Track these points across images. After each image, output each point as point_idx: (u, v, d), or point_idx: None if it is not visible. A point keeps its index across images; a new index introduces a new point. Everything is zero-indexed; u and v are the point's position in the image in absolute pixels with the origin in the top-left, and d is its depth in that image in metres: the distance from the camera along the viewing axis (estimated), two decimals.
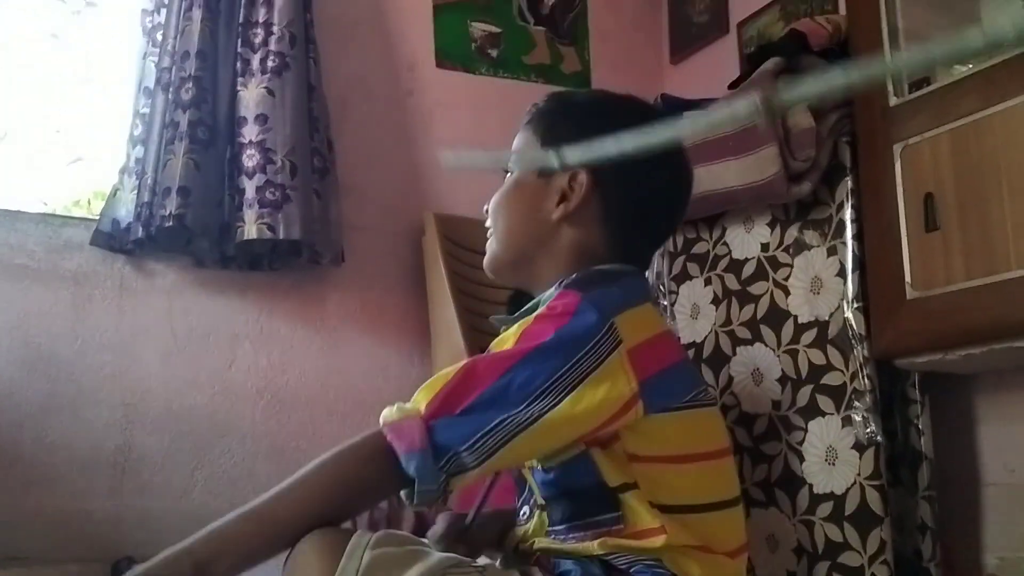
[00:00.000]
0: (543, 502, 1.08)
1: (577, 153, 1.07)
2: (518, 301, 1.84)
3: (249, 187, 2.35)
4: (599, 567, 1.00)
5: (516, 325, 1.04)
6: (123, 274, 2.36)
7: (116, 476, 2.24)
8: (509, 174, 1.20)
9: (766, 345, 2.19)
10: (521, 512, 1.14)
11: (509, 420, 0.94)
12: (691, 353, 2.35)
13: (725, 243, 2.33)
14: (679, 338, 2.34)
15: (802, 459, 2.09)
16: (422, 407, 0.96)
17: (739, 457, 2.21)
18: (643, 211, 1.16)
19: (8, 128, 2.52)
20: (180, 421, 2.33)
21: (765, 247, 2.24)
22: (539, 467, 1.06)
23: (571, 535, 1.04)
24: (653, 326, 1.05)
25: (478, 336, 2.41)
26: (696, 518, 1.03)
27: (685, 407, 1.04)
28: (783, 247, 2.20)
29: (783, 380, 2.15)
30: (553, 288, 1.09)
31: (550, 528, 1.07)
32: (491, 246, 1.20)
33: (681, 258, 2.43)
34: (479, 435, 0.94)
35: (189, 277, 2.43)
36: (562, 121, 1.21)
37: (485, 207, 1.23)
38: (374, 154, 2.65)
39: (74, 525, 2.17)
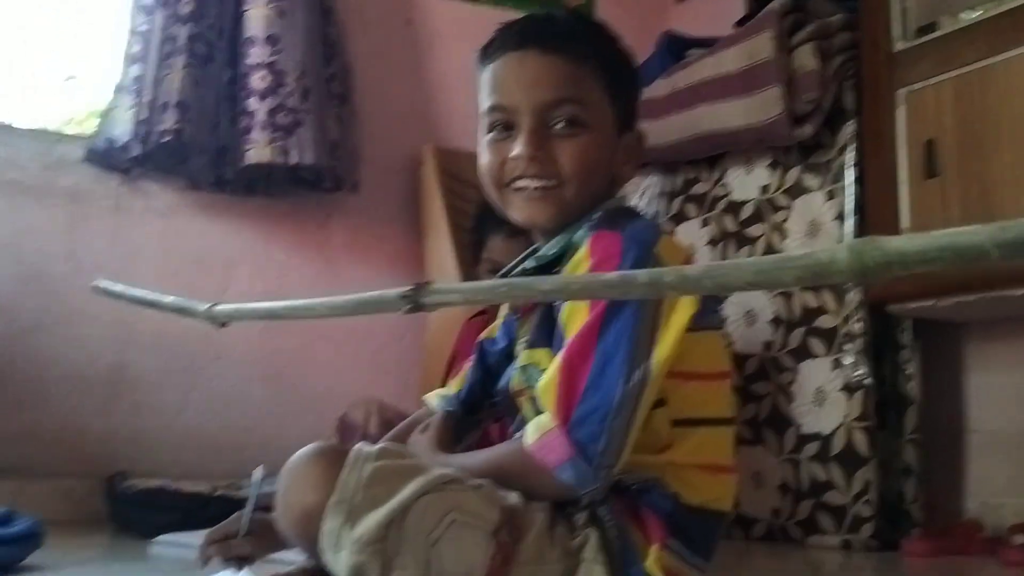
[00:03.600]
0: None
1: None
2: (484, 219, 1.84)
3: (260, 109, 2.32)
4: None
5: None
6: (118, 194, 2.34)
7: (110, 394, 2.25)
8: (573, 126, 1.09)
9: None
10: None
11: (626, 389, 0.96)
12: None
13: (724, 184, 2.33)
14: None
15: (791, 400, 2.12)
16: (553, 416, 0.98)
17: None
18: None
19: (1, 43, 2.48)
20: (174, 342, 2.33)
21: (764, 189, 2.24)
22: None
23: None
24: (682, 250, 1.10)
25: (473, 270, 2.41)
26: (705, 432, 1.05)
27: (708, 327, 1.06)
28: (782, 190, 2.20)
29: (776, 322, 2.17)
30: (583, 230, 1.08)
31: None
32: (556, 197, 1.09)
33: (679, 199, 2.43)
34: (611, 417, 0.96)
35: (185, 199, 2.42)
36: (629, 80, 1.17)
37: (519, 153, 1.09)
38: (373, 84, 2.62)
39: (68, 441, 2.18)
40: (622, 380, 0.96)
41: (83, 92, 2.62)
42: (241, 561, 1.15)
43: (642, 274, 0.37)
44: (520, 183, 1.10)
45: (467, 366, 1.28)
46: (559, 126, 1.08)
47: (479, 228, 1.94)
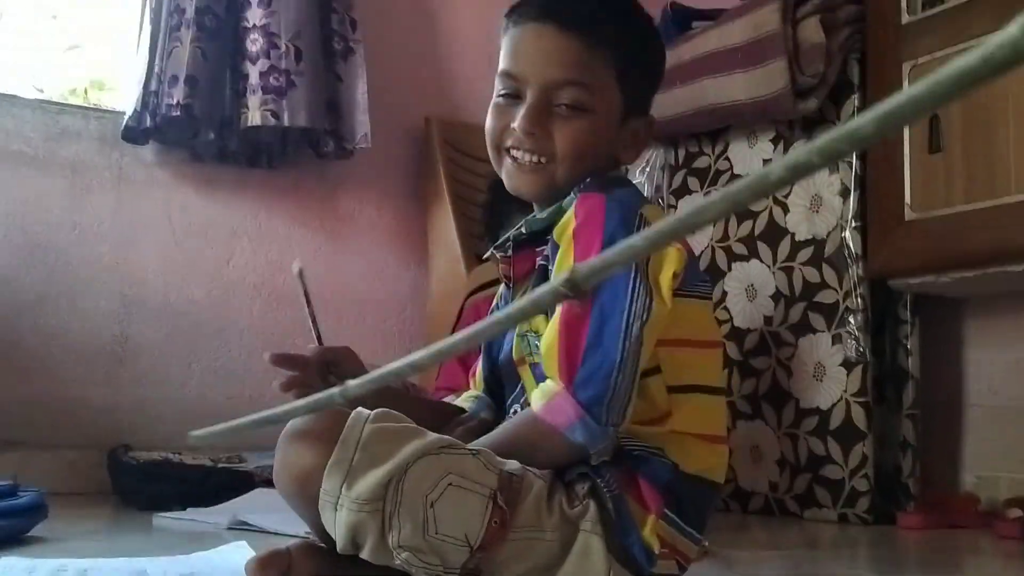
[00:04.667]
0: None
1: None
2: (502, 204, 1.83)
3: (253, 73, 2.31)
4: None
5: (560, 251, 1.06)
6: (121, 165, 2.35)
7: (113, 365, 2.27)
8: (575, 110, 1.09)
9: (762, 261, 2.21)
10: (511, 411, 1.16)
11: (626, 346, 0.98)
12: None
13: (727, 158, 2.33)
14: None
15: (790, 374, 2.13)
16: (557, 380, 1.00)
17: (728, 371, 2.24)
18: None
19: (2, 10, 2.47)
20: (177, 314, 2.34)
21: (767, 163, 2.23)
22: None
23: None
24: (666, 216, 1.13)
25: (474, 242, 2.42)
26: (700, 399, 1.06)
27: (696, 295, 1.08)
28: None
29: (776, 296, 2.17)
30: (571, 195, 1.10)
31: None
32: (546, 173, 1.11)
33: (682, 172, 2.42)
34: (614, 375, 0.98)
35: (188, 171, 2.42)
36: (646, 67, 1.18)
37: (518, 126, 1.10)
38: (375, 52, 2.60)
39: (71, 412, 2.20)
40: (621, 336, 0.98)
41: (86, 62, 2.61)
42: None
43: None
44: (515, 152, 1.12)
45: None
46: (562, 107, 1.09)
47: (496, 211, 1.88)
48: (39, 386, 2.19)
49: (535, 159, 1.11)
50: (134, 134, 2.29)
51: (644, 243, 0.37)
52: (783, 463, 2.12)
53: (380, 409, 0.98)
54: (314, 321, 1.15)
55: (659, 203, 2.44)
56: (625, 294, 0.99)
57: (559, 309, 1.02)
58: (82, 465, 2.12)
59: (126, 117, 2.26)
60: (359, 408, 0.96)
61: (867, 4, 2.07)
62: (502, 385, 1.21)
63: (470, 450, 0.98)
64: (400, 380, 1.19)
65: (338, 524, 0.93)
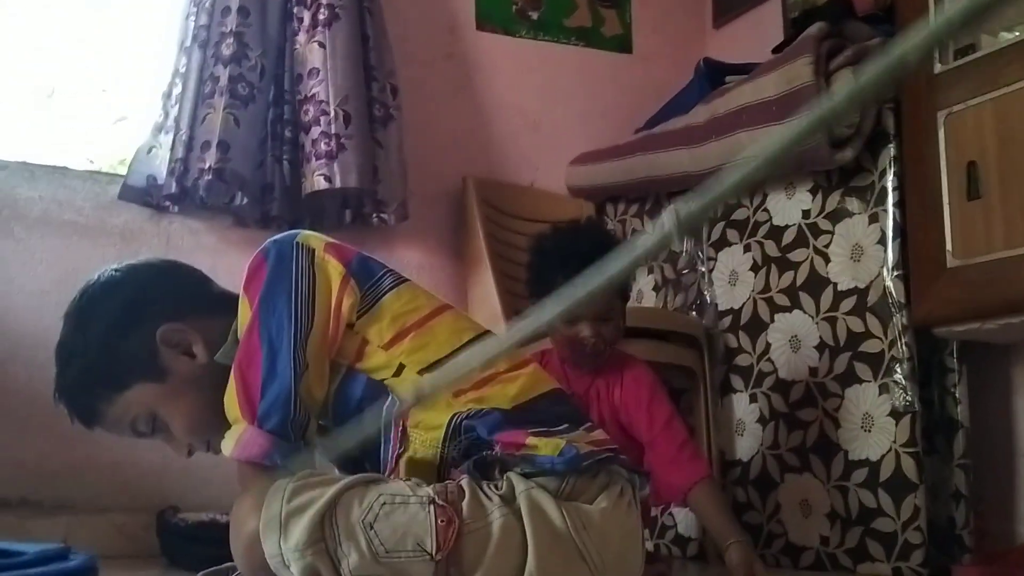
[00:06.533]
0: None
1: None
2: (537, 250, 1.82)
3: (307, 142, 2.38)
4: (456, 437, 1.09)
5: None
6: (169, 232, 2.40)
7: None
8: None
9: (804, 312, 2.20)
10: (388, 472, 1.16)
11: (297, 371, 1.08)
12: (728, 320, 2.36)
13: (766, 209, 2.33)
14: None
15: (838, 425, 2.10)
16: (240, 420, 1.09)
17: (774, 423, 2.22)
18: None
19: (55, 86, 2.56)
20: None
21: (806, 214, 2.23)
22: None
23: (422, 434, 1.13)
24: (324, 238, 1.21)
25: (514, 299, 2.44)
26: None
27: (395, 286, 1.18)
28: (824, 214, 2.19)
29: (821, 347, 2.16)
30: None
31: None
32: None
33: (721, 224, 2.43)
34: (293, 396, 1.07)
35: (232, 236, 2.46)
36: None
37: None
38: (413, 117, 2.65)
39: (121, 475, 2.23)
40: (292, 363, 1.08)
41: (133, 133, 2.69)
42: None
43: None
44: None
45: None
46: None
47: (546, 272, 1.74)
48: (88, 449, 2.21)
49: None
50: (159, 199, 2.35)
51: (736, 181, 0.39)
52: (834, 516, 2.08)
53: (303, 471, 1.03)
54: None
55: (699, 256, 2.45)
56: (289, 324, 1.09)
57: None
58: (131, 528, 2.14)
59: (142, 178, 2.35)
60: (302, 458, 1.04)
61: None
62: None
63: (393, 479, 1.04)
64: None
65: None
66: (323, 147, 2.37)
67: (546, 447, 1.06)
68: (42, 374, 2.24)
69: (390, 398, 1.11)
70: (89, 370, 1.20)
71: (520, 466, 1.04)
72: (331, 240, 1.21)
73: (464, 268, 2.67)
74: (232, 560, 1.28)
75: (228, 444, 1.09)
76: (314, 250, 1.17)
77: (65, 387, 1.23)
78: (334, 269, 1.15)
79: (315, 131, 2.38)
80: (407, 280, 1.22)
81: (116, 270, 1.27)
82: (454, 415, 1.09)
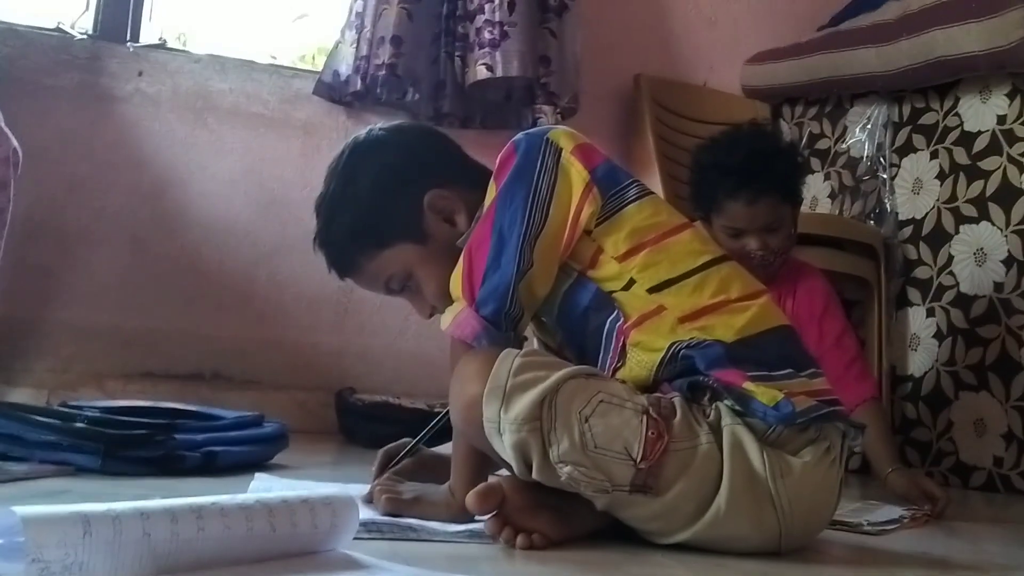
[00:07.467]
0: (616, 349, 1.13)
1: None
2: (711, 178, 1.78)
3: (471, 31, 2.38)
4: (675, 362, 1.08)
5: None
6: (347, 127, 2.48)
7: (339, 314, 2.42)
8: None
9: (993, 224, 2.08)
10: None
11: (520, 267, 1.09)
12: (909, 230, 2.26)
13: (957, 114, 2.20)
14: None
15: (1021, 344, 2.00)
16: (461, 299, 1.13)
17: (951, 339, 2.14)
18: None
19: None
20: None
21: (1002, 119, 2.09)
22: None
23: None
24: (577, 137, 1.19)
25: (680, 203, 2.40)
26: (693, 282, 1.12)
27: (639, 198, 1.16)
28: (1022, 120, 2.05)
29: (1008, 261, 2.05)
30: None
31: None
32: None
33: (907, 129, 2.31)
34: (511, 290, 1.09)
35: None
36: None
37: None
38: (588, 8, 2.61)
39: (302, 356, 2.37)
40: (516, 259, 1.10)
41: (314, 29, 2.77)
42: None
43: None
44: None
45: None
46: None
47: (706, 188, 1.79)
48: (274, 330, 2.37)
49: None
50: (346, 96, 2.41)
51: None
52: (1010, 437, 2.00)
53: (528, 348, 1.07)
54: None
55: (880, 162, 2.34)
56: (521, 220, 1.11)
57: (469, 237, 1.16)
58: (312, 404, 2.29)
59: (330, 74, 2.40)
60: (508, 348, 1.06)
61: None
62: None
63: (618, 379, 1.06)
64: None
65: (506, 448, 1.01)
66: (487, 35, 2.36)
67: (763, 396, 1.04)
68: (233, 258, 2.41)
69: (616, 311, 1.11)
70: (356, 224, 1.23)
71: (733, 403, 1.04)
72: (583, 141, 1.19)
73: (631, 169, 2.64)
74: (405, 436, 1.37)
75: (447, 319, 1.14)
76: (561, 150, 1.16)
77: (329, 239, 1.27)
78: (578, 174, 1.14)
79: (479, 19, 2.37)
80: (652, 193, 1.20)
81: (383, 129, 1.29)
82: (675, 343, 1.08)
